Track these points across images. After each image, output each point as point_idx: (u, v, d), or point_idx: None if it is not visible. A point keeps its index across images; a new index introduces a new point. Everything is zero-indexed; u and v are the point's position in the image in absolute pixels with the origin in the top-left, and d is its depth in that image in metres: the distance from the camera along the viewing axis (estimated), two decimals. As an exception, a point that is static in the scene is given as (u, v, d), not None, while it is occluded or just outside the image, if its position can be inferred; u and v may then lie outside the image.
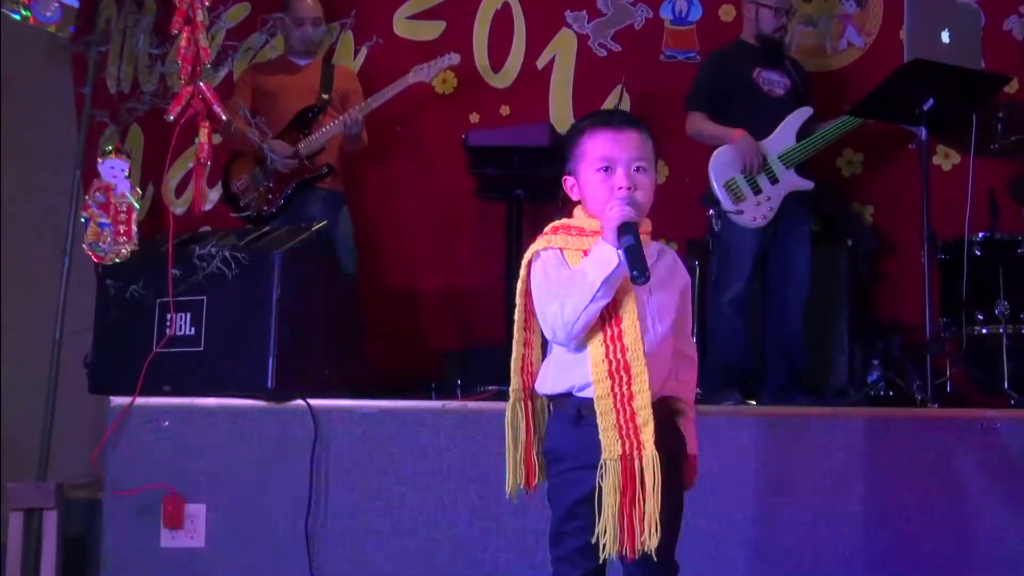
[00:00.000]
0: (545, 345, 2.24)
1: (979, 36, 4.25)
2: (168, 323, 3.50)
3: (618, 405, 2.07)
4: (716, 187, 4.25)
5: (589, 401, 2.11)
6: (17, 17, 3.97)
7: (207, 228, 4.23)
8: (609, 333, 2.10)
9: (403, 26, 5.14)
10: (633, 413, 2.07)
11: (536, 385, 2.24)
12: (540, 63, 5.11)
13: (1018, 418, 3.43)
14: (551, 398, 2.24)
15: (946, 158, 4.81)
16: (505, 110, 5.08)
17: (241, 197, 4.54)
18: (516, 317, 2.24)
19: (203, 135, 3.64)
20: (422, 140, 5.08)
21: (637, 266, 2.02)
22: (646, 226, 2.17)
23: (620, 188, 2.13)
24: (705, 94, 4.44)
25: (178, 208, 4.90)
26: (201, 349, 3.45)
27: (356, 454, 3.34)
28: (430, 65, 4.68)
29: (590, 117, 2.26)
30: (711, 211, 4.27)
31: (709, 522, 3.24)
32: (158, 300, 3.52)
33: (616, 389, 2.08)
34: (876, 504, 3.32)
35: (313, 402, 3.35)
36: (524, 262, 2.21)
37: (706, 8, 5.05)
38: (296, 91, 4.60)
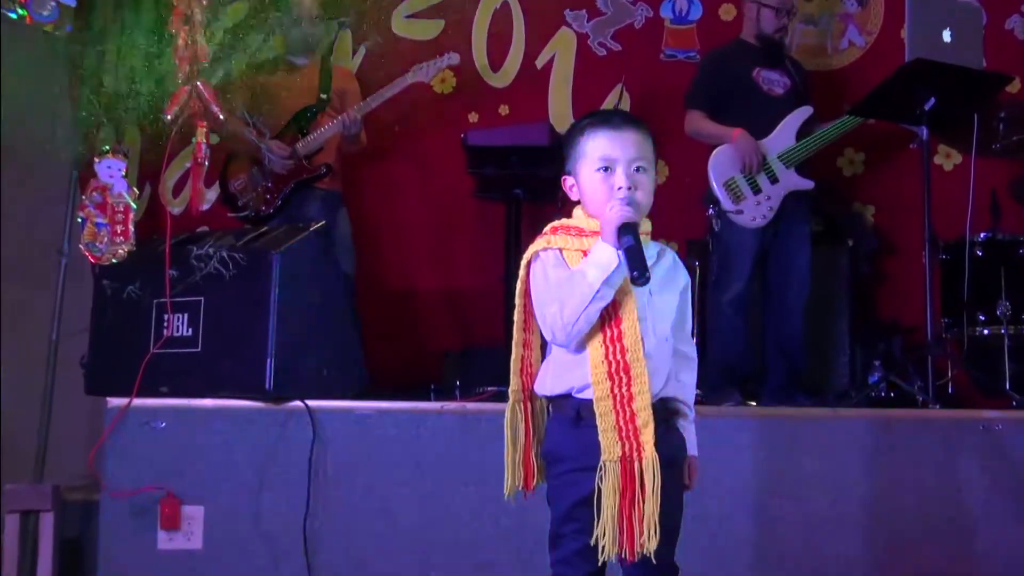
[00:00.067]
0: (545, 346, 2.22)
1: (981, 35, 4.24)
2: (165, 324, 3.49)
3: (618, 406, 2.06)
4: (716, 187, 4.24)
5: (589, 402, 2.09)
6: (14, 16, 3.95)
7: (205, 228, 4.22)
8: (609, 334, 2.08)
9: (402, 25, 5.13)
10: (633, 414, 2.06)
11: (535, 386, 2.23)
12: (539, 62, 5.11)
13: (1020, 419, 3.42)
14: (550, 399, 2.22)
15: (947, 158, 4.81)
16: (504, 110, 5.08)
17: (239, 197, 4.53)
18: (515, 318, 2.22)
19: (200, 135, 3.64)
20: (421, 140, 5.07)
21: (637, 267, 2.01)
22: (646, 226, 2.15)
23: (620, 188, 2.11)
24: (704, 93, 4.43)
25: (175, 208, 4.89)
26: (199, 350, 3.45)
27: (354, 455, 3.33)
28: (429, 65, 4.66)
29: (589, 117, 2.24)
30: (711, 211, 4.26)
31: (709, 523, 3.22)
32: (155, 300, 3.52)
33: (616, 390, 2.06)
34: (876, 505, 3.31)
35: (311, 403, 3.34)
36: (523, 262, 2.19)
37: (706, 7, 5.06)
38: (294, 91, 4.58)
